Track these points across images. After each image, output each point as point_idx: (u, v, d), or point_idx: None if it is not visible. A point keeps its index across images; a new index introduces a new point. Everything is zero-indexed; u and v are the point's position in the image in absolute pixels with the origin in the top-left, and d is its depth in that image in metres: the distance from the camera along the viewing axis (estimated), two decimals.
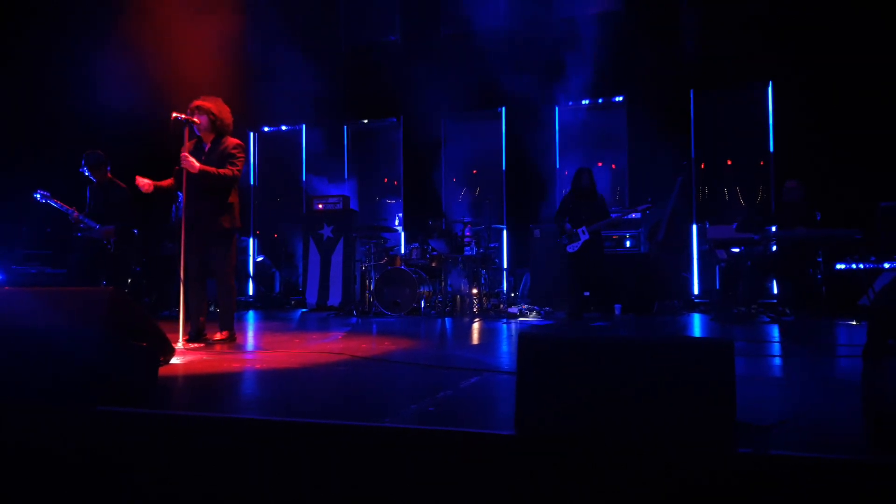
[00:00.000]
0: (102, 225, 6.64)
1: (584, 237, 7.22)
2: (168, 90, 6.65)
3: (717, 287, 7.72)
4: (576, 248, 7.27)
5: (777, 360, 4.14)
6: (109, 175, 6.80)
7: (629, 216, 8.02)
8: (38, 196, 6.43)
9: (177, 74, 7.51)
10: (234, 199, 4.81)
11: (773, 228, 7.04)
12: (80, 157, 6.65)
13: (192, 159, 4.52)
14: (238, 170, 4.71)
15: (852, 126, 8.30)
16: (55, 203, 6.45)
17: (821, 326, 6.26)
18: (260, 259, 11.42)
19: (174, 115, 4.55)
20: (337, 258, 9.59)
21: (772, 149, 9.26)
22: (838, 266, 7.42)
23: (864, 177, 8.09)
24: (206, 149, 4.75)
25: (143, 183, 4.65)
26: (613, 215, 7.48)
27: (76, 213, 6.52)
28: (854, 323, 6.44)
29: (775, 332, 5.89)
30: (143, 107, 8.23)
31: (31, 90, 9.93)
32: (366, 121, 11.64)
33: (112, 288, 2.66)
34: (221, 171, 4.62)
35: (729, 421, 1.74)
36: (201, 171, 4.54)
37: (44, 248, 9.20)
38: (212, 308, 7.18)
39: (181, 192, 4.64)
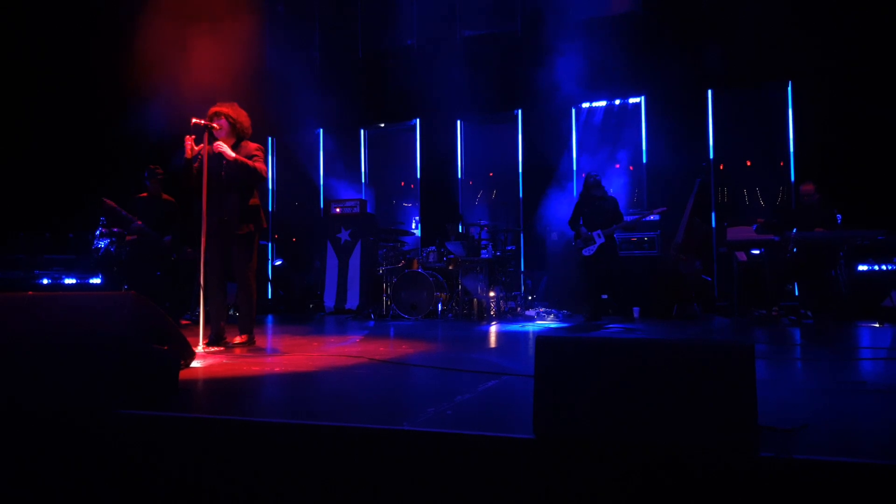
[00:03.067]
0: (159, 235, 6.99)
1: (599, 241, 7.20)
2: (187, 98, 6.73)
3: (737, 290, 7.63)
4: (591, 252, 7.26)
5: (799, 364, 4.09)
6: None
7: (646, 219, 7.97)
8: (105, 205, 6.75)
9: (196, 82, 7.58)
10: (256, 200, 4.86)
11: (794, 230, 6.96)
12: (85, 168, 6.82)
13: (225, 147, 4.56)
14: (265, 167, 4.77)
15: (874, 125, 8.18)
16: (121, 211, 6.78)
17: (843, 329, 6.18)
18: (278, 263, 11.50)
19: (194, 120, 4.59)
20: (354, 262, 9.63)
21: (792, 149, 9.16)
22: (860, 267, 7.32)
23: (887, 177, 7.98)
24: None
25: (189, 144, 4.56)
26: (628, 218, 7.45)
27: (140, 224, 6.81)
28: (877, 325, 6.35)
29: (797, 334, 5.82)
30: (161, 115, 8.34)
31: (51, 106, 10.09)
32: (382, 124, 11.69)
33: (134, 292, 2.69)
34: (254, 164, 4.67)
35: (751, 424, 1.73)
36: (235, 162, 4.58)
37: (66, 254, 9.34)
38: (231, 312, 7.25)
39: (197, 191, 4.66)
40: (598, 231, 7.20)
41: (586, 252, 7.30)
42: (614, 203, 7.43)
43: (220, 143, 4.59)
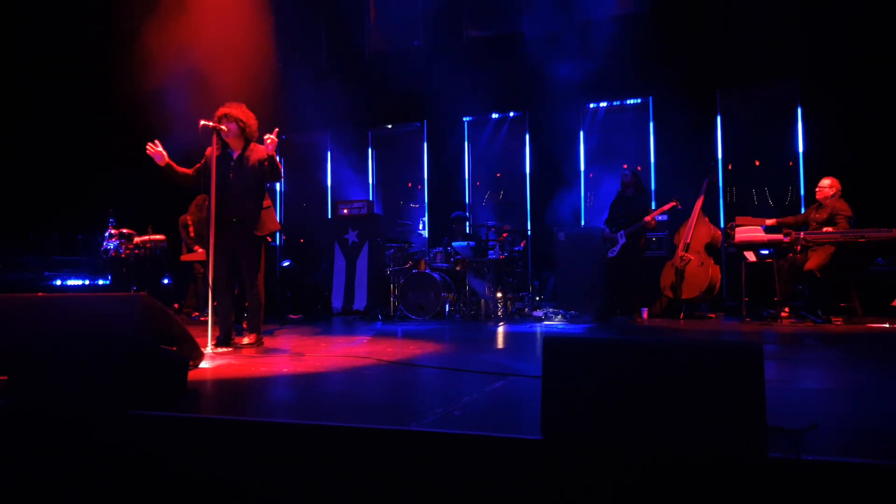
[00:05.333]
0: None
1: (621, 241, 7.20)
2: (195, 98, 6.75)
3: (746, 290, 7.59)
4: (614, 254, 7.26)
5: (808, 364, 4.07)
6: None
7: (660, 217, 7.96)
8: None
9: (203, 83, 7.61)
10: (268, 202, 4.89)
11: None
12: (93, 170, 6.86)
13: (274, 138, 4.60)
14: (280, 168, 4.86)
15: (883, 124, 8.13)
16: None
17: (852, 329, 6.14)
18: (286, 264, 11.52)
19: (202, 123, 4.61)
20: (362, 262, 9.64)
21: (801, 149, 9.11)
22: (871, 267, 7.26)
23: None
24: (235, 155, 4.81)
25: (155, 151, 4.61)
26: (657, 217, 7.45)
27: None
28: (888, 325, 6.30)
29: (805, 335, 5.78)
30: (169, 116, 8.37)
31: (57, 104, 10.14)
32: (389, 126, 11.70)
33: (144, 293, 2.70)
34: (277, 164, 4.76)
35: (759, 425, 1.72)
36: (269, 157, 4.66)
37: (75, 255, 9.39)
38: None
39: (206, 192, 4.68)
40: (621, 231, 7.21)
41: (610, 254, 7.30)
42: (644, 203, 7.41)
43: (270, 136, 4.60)
